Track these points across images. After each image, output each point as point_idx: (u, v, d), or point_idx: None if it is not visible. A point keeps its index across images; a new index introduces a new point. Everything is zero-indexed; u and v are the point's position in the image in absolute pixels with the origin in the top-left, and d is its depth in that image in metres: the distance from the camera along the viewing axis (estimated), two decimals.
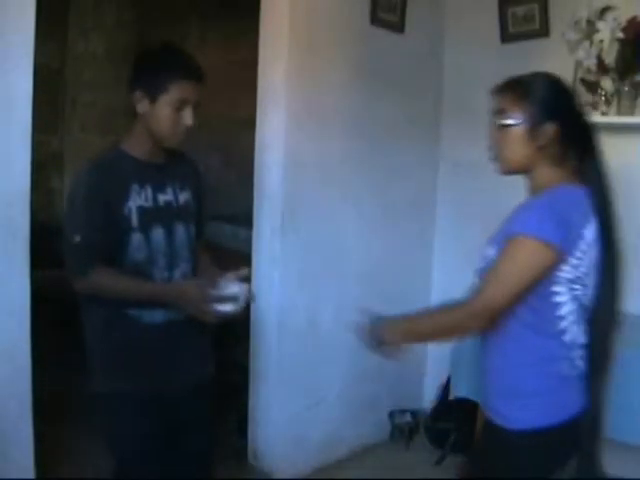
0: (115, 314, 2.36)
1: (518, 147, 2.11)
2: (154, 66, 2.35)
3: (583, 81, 3.56)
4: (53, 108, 7.10)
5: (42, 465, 2.88)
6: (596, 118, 3.53)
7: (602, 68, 3.43)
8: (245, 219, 4.35)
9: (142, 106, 2.34)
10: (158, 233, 2.40)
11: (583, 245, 2.00)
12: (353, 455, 4.16)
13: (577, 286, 2.02)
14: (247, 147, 4.03)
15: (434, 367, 4.61)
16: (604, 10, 3.40)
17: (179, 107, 2.32)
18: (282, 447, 3.84)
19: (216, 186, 6.14)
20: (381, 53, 4.09)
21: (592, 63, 3.43)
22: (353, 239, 4.06)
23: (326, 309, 3.93)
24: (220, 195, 6.00)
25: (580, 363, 2.09)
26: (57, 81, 7.15)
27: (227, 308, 2.26)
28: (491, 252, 2.09)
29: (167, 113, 2.32)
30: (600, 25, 3.38)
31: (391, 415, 4.45)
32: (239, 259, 4.43)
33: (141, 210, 2.35)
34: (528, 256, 1.97)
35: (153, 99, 2.32)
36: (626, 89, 3.42)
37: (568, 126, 2.14)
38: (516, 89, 2.15)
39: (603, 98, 3.47)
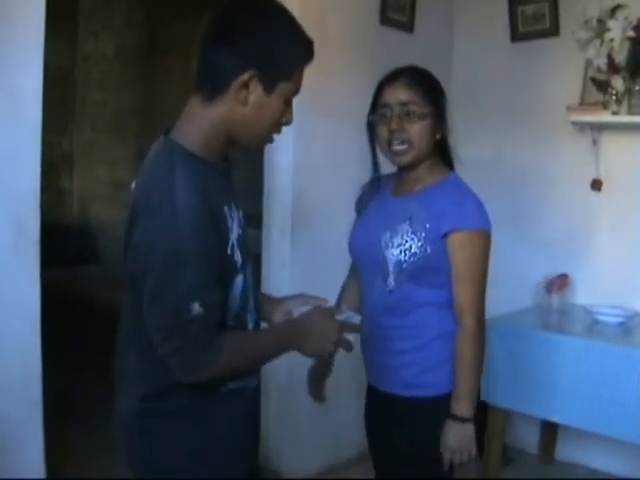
0: (239, 388, 1.79)
1: (428, 137, 2.28)
2: (281, 41, 1.67)
3: (593, 80, 3.55)
4: (63, 108, 7.12)
5: (52, 464, 2.89)
6: (607, 117, 3.53)
7: (613, 67, 3.42)
8: (252, 219, 4.35)
9: (252, 94, 1.62)
10: (249, 269, 1.80)
11: None
12: (363, 456, 4.14)
13: None
14: (256, 147, 4.03)
15: None
16: (615, 9, 3.39)
17: (289, 101, 1.74)
18: (292, 448, 3.84)
19: None
20: (391, 53, 4.07)
21: (603, 62, 3.42)
22: None
23: None
24: None
25: None
26: (67, 81, 7.17)
27: (351, 338, 1.89)
28: (412, 243, 2.21)
29: (280, 107, 1.70)
30: (611, 24, 3.37)
31: None
32: None
33: (239, 241, 1.72)
34: (487, 250, 2.21)
35: (270, 87, 1.64)
36: (637, 88, 3.42)
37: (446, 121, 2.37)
38: (424, 83, 2.33)
39: (614, 97, 3.46)
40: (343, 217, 3.90)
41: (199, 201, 1.53)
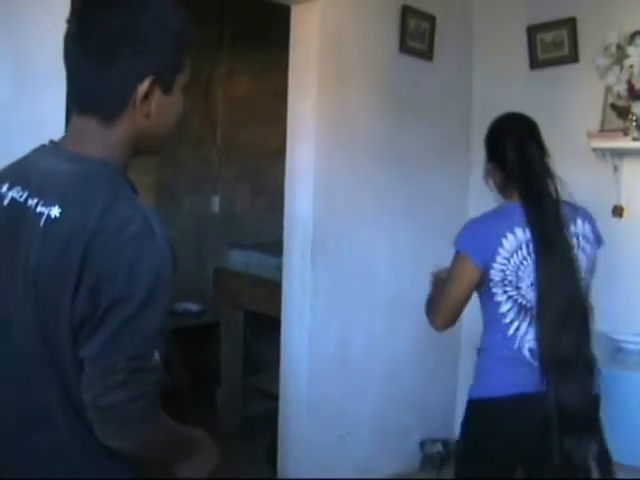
0: None
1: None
2: (166, 32, 1.46)
3: (613, 106, 3.55)
4: None
5: None
6: (627, 143, 3.52)
7: (632, 93, 3.41)
8: (272, 247, 4.36)
9: (153, 101, 1.45)
10: None
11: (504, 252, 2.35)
12: None
13: (508, 288, 2.37)
14: (276, 177, 4.05)
15: (465, 396, 4.55)
16: (634, 35, 3.40)
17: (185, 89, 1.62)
18: (312, 477, 3.81)
19: (244, 215, 6.19)
20: (410, 81, 4.10)
21: (622, 88, 3.42)
22: (384, 267, 4.05)
23: (357, 337, 3.92)
24: (248, 224, 6.04)
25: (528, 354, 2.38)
26: None
27: None
28: None
29: (181, 100, 1.57)
30: (630, 50, 3.37)
31: (422, 445, 4.40)
32: (266, 286, 4.46)
33: None
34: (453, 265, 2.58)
35: (169, 86, 1.49)
36: None
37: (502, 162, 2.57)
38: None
39: (634, 123, 3.44)
40: (363, 244, 3.93)
41: (166, 231, 1.41)
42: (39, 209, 1.39)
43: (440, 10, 4.18)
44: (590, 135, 3.68)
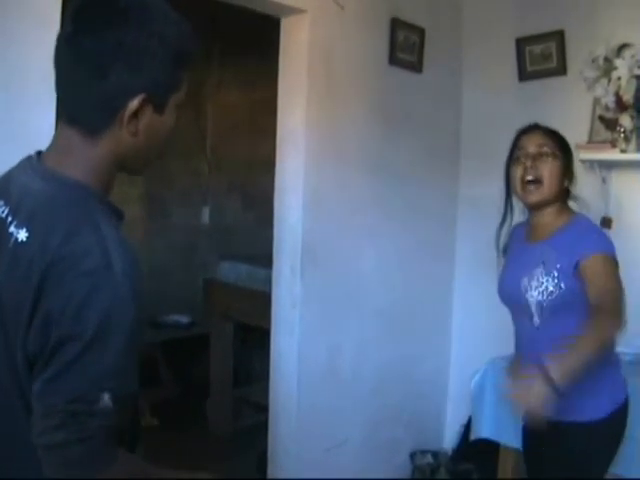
0: None
1: (557, 179, 2.57)
2: (166, 48, 1.40)
3: (601, 118, 3.56)
4: None
5: None
6: (616, 155, 3.53)
7: (620, 105, 3.42)
8: (263, 259, 4.36)
9: (142, 120, 1.39)
10: None
11: None
12: None
13: None
14: (266, 188, 4.05)
15: (455, 408, 4.57)
16: (621, 47, 3.42)
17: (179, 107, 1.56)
18: None
19: (234, 226, 6.19)
20: (400, 93, 4.11)
21: (610, 100, 3.43)
22: (373, 278, 4.05)
23: (347, 349, 3.91)
24: (238, 236, 6.04)
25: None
26: None
27: None
28: (547, 284, 2.47)
29: (173, 119, 1.51)
30: (618, 62, 3.39)
31: (412, 456, 4.40)
32: (257, 298, 4.45)
33: None
34: (616, 269, 2.45)
35: (162, 105, 1.42)
36: None
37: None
38: (557, 135, 2.68)
39: (622, 135, 3.46)
40: (353, 257, 3.94)
41: (133, 265, 1.32)
42: (11, 229, 1.34)
43: (429, 22, 4.20)
44: (578, 147, 3.69)
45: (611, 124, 3.51)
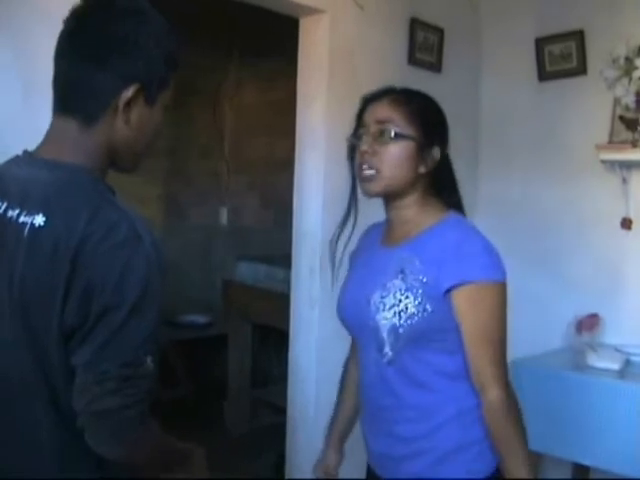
0: None
1: (405, 166, 1.90)
2: (160, 46, 1.53)
3: (622, 118, 3.54)
4: None
5: None
6: (636, 155, 3.51)
7: None
8: (281, 259, 4.35)
9: (134, 110, 1.48)
10: None
11: None
12: None
13: None
14: (285, 189, 4.05)
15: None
16: None
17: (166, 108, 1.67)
18: None
19: (252, 227, 6.19)
20: None
21: (631, 100, 3.41)
22: None
23: None
24: (256, 236, 6.04)
25: None
26: None
27: None
28: (407, 302, 1.81)
29: (161, 117, 1.61)
30: (638, 62, 3.36)
31: None
32: (275, 299, 4.45)
33: None
34: (503, 304, 1.80)
35: (153, 98, 1.53)
36: None
37: (446, 157, 2.04)
38: (410, 103, 1.99)
39: None
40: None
41: (157, 239, 1.42)
42: (22, 219, 1.38)
43: (448, 22, 4.18)
44: (599, 147, 3.67)
45: (632, 124, 3.48)
